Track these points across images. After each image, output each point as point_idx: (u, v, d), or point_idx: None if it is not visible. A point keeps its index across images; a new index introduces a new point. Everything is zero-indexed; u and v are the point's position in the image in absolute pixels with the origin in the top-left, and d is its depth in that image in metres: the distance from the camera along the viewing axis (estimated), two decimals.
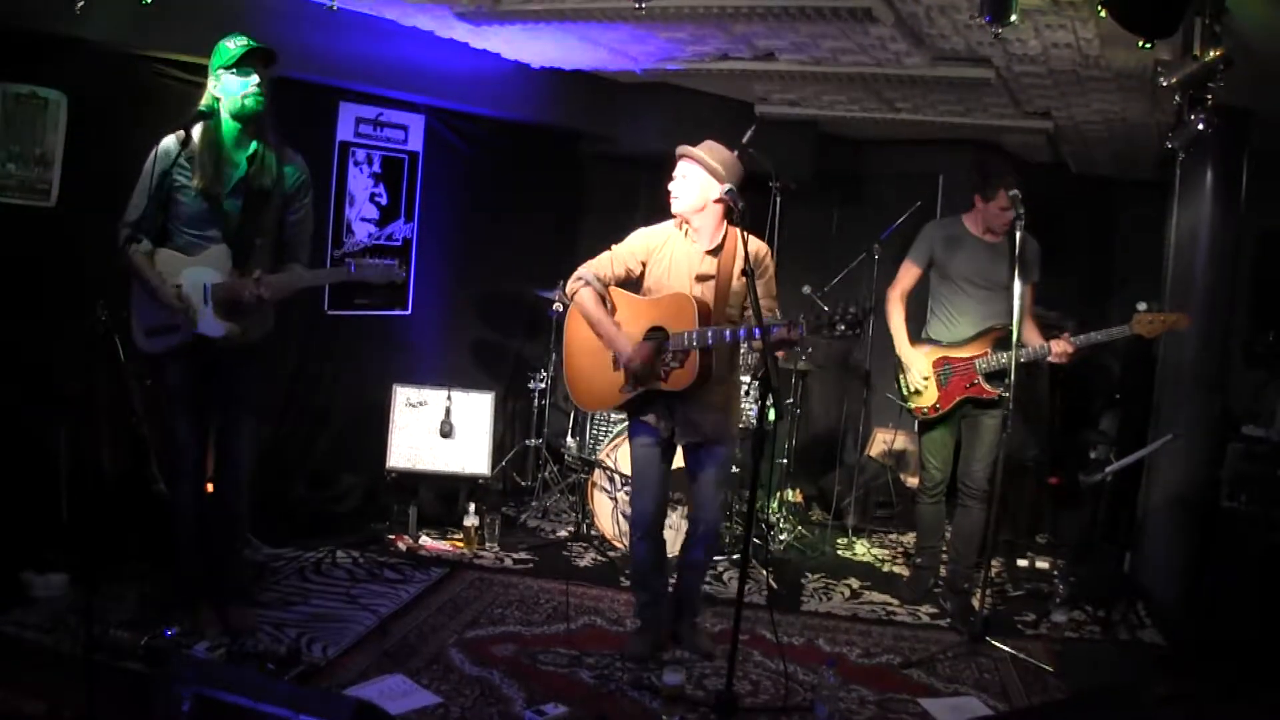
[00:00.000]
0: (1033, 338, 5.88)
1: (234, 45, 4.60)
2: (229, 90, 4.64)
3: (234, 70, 4.62)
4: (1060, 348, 5.71)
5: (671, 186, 4.99)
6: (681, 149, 4.99)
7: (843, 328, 4.57)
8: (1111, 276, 9.08)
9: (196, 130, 4.65)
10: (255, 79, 4.63)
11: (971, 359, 5.92)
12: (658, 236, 5.12)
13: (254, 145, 4.76)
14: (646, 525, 5.19)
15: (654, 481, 5.17)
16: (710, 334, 4.78)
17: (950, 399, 5.98)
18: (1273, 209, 6.75)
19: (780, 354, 7.16)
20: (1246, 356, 6.82)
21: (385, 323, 7.50)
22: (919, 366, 6.03)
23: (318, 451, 7.10)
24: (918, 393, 6.06)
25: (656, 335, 4.95)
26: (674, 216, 5.08)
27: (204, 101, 4.71)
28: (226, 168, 4.72)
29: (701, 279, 5.00)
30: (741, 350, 5.70)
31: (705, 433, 5.05)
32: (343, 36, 6.11)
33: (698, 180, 4.92)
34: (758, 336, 4.59)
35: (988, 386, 5.88)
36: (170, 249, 4.74)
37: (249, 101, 4.63)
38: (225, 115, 4.68)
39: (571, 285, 5.11)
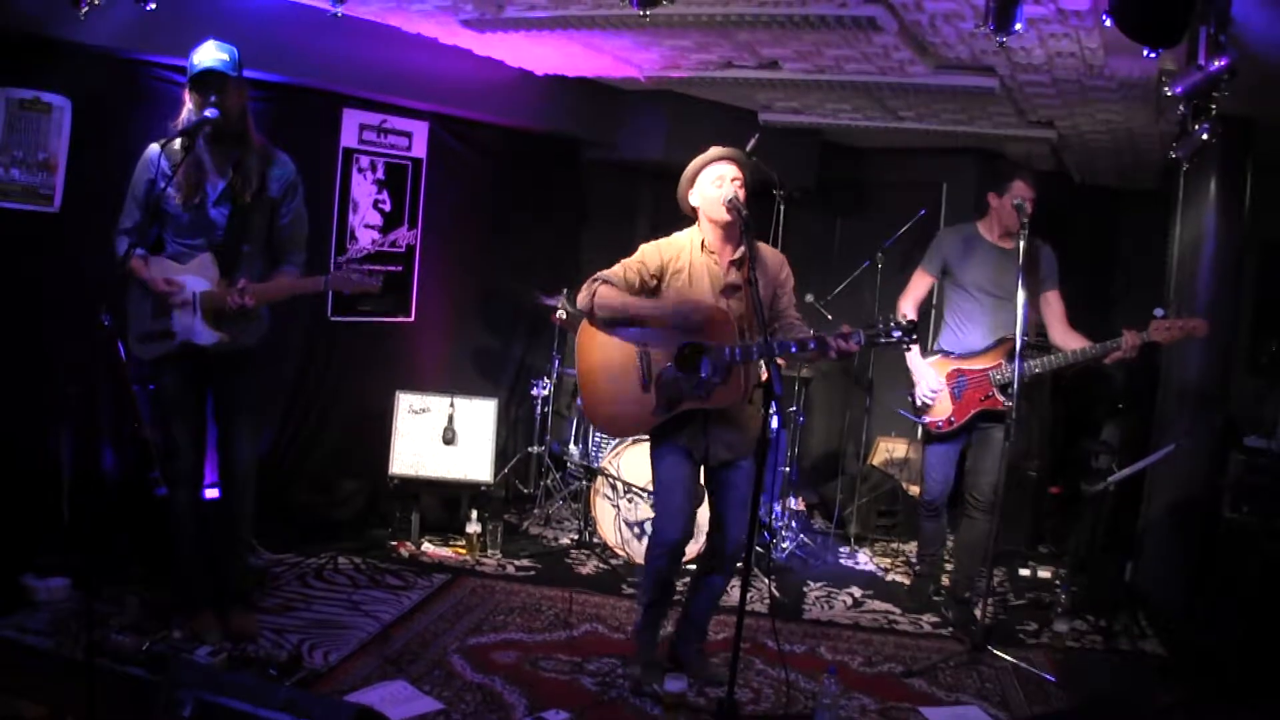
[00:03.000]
0: (1073, 342, 5.68)
1: (196, 59, 4.60)
2: (194, 106, 4.66)
3: (192, 91, 4.64)
4: (1133, 340, 5.39)
5: (731, 192, 4.64)
6: (726, 151, 4.76)
7: (899, 334, 4.44)
8: (1114, 286, 9.08)
9: (182, 141, 4.64)
10: (211, 98, 4.59)
11: (986, 370, 5.82)
12: (671, 249, 4.83)
13: (235, 155, 4.77)
14: (673, 545, 4.88)
15: (683, 505, 4.86)
16: (755, 348, 4.52)
17: (965, 412, 5.90)
18: (1276, 219, 6.75)
19: (781, 362, 7.15)
20: (1249, 366, 6.83)
21: (388, 329, 7.50)
22: (929, 379, 5.94)
23: (320, 457, 7.11)
24: (928, 406, 6.00)
25: (693, 353, 4.66)
26: (700, 223, 4.84)
27: (183, 115, 4.71)
28: (210, 177, 4.75)
29: (729, 291, 4.76)
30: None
31: (737, 451, 4.83)
32: (347, 43, 6.12)
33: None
34: (813, 349, 4.50)
35: (1003, 399, 5.75)
36: (163, 257, 4.79)
37: (207, 124, 4.61)
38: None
39: (586, 289, 4.76)
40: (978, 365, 5.87)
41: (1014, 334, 5.66)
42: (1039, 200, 5.55)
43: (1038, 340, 5.95)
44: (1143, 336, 5.40)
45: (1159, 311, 5.48)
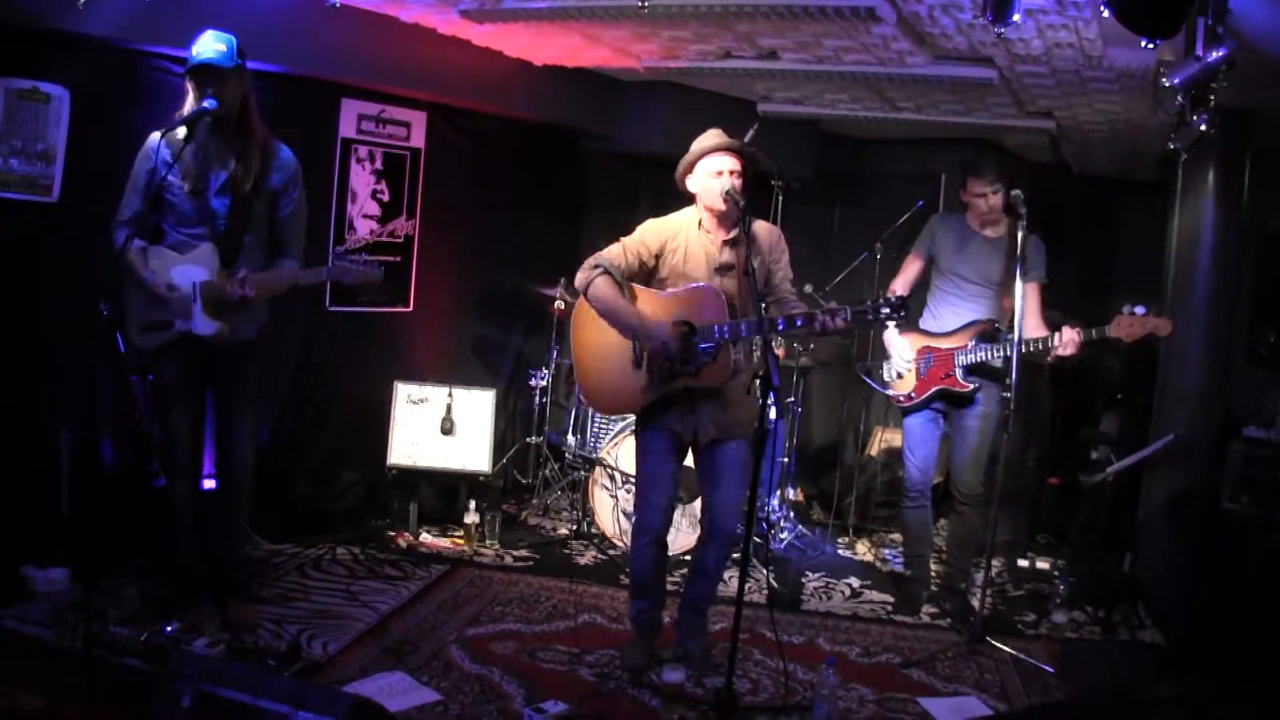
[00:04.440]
0: (1037, 333, 5.73)
1: (195, 50, 4.59)
2: (193, 97, 4.65)
3: (190, 82, 4.64)
4: (1070, 335, 5.51)
5: (729, 184, 4.68)
6: (728, 142, 4.78)
7: (886, 311, 4.45)
8: (1112, 277, 9.07)
9: (183, 130, 4.64)
10: (209, 90, 4.59)
11: (953, 350, 5.88)
12: (670, 227, 4.89)
13: (237, 146, 4.77)
14: (655, 532, 4.98)
15: (666, 487, 4.95)
16: (744, 326, 4.60)
17: (925, 388, 5.96)
18: (1274, 209, 6.74)
19: (780, 352, 7.16)
20: (1248, 357, 6.82)
21: (387, 319, 7.50)
22: (900, 349, 6.02)
23: (318, 448, 7.11)
24: (900, 377, 6.04)
25: (685, 331, 4.72)
26: (698, 206, 4.87)
27: (187, 104, 4.72)
28: (212, 168, 4.76)
29: (723, 270, 4.81)
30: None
31: (728, 430, 4.86)
32: (345, 33, 6.10)
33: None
34: (800, 326, 4.53)
35: (962, 380, 5.84)
36: (163, 247, 4.79)
37: (206, 115, 4.60)
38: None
39: (583, 275, 4.81)
40: (946, 344, 5.93)
41: (985, 319, 5.74)
42: (1032, 194, 5.54)
43: (1009, 328, 5.95)
44: (1095, 333, 5.49)
45: (1127, 308, 5.48)
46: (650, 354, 4.80)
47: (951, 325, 5.97)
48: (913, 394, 6.01)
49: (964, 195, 5.96)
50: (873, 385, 6.39)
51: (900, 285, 6.19)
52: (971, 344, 5.83)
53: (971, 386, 5.83)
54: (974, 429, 5.93)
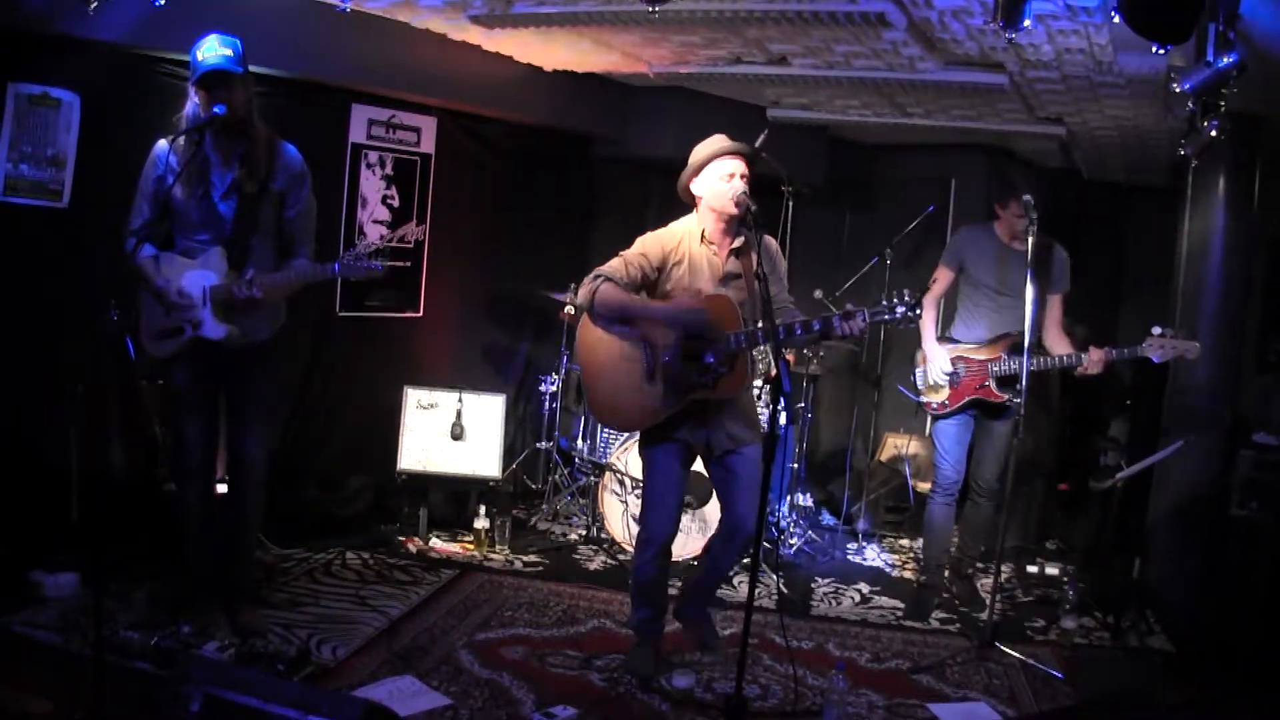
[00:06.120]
0: (1060, 346, 5.98)
1: (201, 56, 4.57)
2: (201, 103, 4.64)
3: (199, 89, 4.62)
4: (1097, 356, 5.68)
5: (742, 188, 4.65)
6: (736, 145, 4.75)
7: (903, 311, 4.44)
8: (1123, 282, 9.06)
9: (194, 136, 4.65)
10: (219, 96, 4.57)
11: (986, 361, 6.02)
12: (671, 238, 4.82)
13: (241, 148, 4.77)
14: (660, 545, 4.94)
15: (673, 501, 4.93)
16: (761, 333, 4.53)
17: (960, 397, 6.08)
18: None
19: (790, 358, 7.15)
20: (1258, 363, 6.80)
21: (397, 324, 7.51)
22: (941, 360, 6.10)
23: (328, 453, 7.12)
24: (935, 386, 6.15)
25: (697, 341, 4.65)
26: (701, 213, 4.83)
27: (187, 109, 4.72)
28: (215, 172, 4.75)
29: (728, 279, 4.77)
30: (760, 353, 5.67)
31: (740, 439, 4.82)
32: (355, 38, 6.12)
33: None
34: (817, 330, 4.52)
35: (996, 390, 5.98)
36: (174, 254, 4.79)
37: (216, 121, 4.57)
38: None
39: (587, 287, 4.69)
40: (979, 356, 6.09)
41: (1016, 331, 5.80)
42: (1047, 197, 5.58)
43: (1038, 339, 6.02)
44: (1127, 353, 5.66)
45: (1157, 329, 5.56)
46: (665, 365, 4.71)
47: (986, 335, 6.11)
48: (946, 402, 6.14)
49: (1002, 210, 6.10)
50: (906, 394, 6.46)
51: (931, 300, 6.35)
52: (1004, 356, 5.99)
53: (1006, 398, 5.95)
54: (1002, 433, 6.14)
